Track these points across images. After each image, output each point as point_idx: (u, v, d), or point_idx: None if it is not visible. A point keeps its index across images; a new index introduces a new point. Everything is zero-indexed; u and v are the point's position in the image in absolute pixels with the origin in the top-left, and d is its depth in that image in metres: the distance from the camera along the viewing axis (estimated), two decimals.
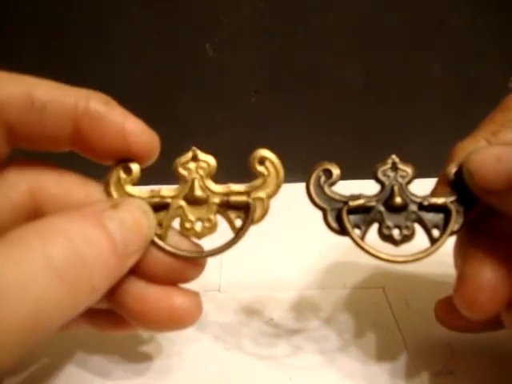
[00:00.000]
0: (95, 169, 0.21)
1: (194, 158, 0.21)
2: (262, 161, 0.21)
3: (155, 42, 0.43)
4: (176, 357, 0.27)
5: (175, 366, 0.26)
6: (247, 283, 0.32)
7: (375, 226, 0.21)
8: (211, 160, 0.21)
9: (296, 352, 0.27)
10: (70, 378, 0.25)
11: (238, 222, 0.21)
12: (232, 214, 0.21)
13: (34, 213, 0.20)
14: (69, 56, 0.43)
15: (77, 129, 0.19)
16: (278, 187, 0.21)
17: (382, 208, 0.20)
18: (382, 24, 0.42)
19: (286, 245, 0.36)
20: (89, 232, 0.16)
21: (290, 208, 0.34)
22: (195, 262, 0.21)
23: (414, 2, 0.42)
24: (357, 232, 0.20)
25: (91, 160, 0.20)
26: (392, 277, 0.32)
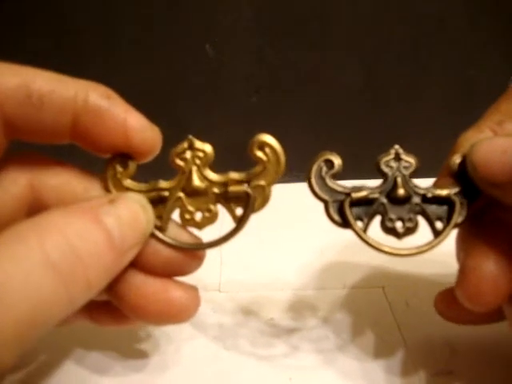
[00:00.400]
0: (95, 161, 0.21)
1: (190, 147, 0.20)
2: (261, 146, 0.20)
3: (155, 41, 0.43)
4: (173, 353, 0.27)
5: (173, 363, 0.26)
6: (247, 283, 0.32)
7: (378, 219, 0.20)
8: (208, 148, 0.20)
9: (296, 352, 0.27)
10: (67, 374, 0.25)
11: (239, 211, 0.20)
12: (232, 203, 0.20)
13: (35, 205, 0.20)
14: (68, 56, 0.43)
15: (76, 122, 0.18)
16: (278, 174, 0.20)
17: (384, 200, 0.20)
18: (382, 24, 0.42)
19: (286, 244, 0.36)
20: (85, 228, 0.16)
21: (291, 207, 0.34)
22: (194, 254, 0.21)
23: (413, 2, 0.42)
24: (359, 224, 0.20)
25: (91, 153, 0.20)
26: (392, 277, 0.32)
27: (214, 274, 0.33)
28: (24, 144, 0.19)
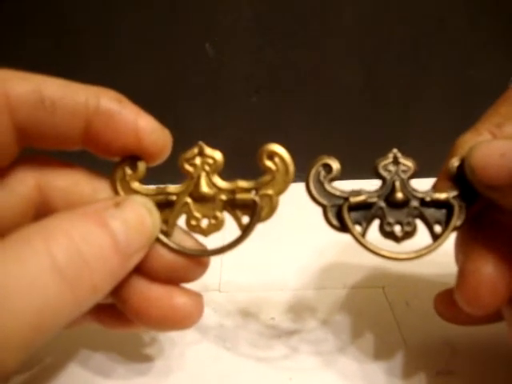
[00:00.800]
0: (105, 166, 0.21)
1: (200, 154, 0.20)
2: (271, 156, 0.20)
3: (155, 41, 0.43)
4: (177, 357, 0.27)
5: (176, 366, 0.26)
6: (247, 283, 0.32)
7: (376, 223, 0.20)
8: (218, 155, 0.20)
9: (296, 354, 0.27)
10: (71, 376, 0.25)
11: (246, 219, 0.20)
12: (239, 211, 0.20)
13: (42, 207, 0.20)
14: (68, 56, 0.43)
15: (88, 127, 0.19)
16: (287, 184, 0.20)
17: (383, 204, 0.20)
18: (382, 24, 0.42)
19: (286, 245, 0.36)
20: (91, 231, 0.16)
21: (291, 208, 0.34)
22: (199, 260, 0.21)
23: (414, 2, 0.42)
24: (358, 229, 0.20)
25: (101, 157, 0.20)
26: (392, 277, 0.32)
27: (214, 274, 0.33)
28: (33, 151, 0.19)
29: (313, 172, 0.20)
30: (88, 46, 0.43)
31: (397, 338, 0.27)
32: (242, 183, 0.20)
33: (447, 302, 0.23)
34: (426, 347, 0.26)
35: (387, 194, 0.20)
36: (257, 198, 0.20)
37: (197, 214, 0.20)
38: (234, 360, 0.26)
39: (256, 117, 0.45)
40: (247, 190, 0.20)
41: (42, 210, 0.20)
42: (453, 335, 0.26)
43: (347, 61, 0.44)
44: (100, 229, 0.17)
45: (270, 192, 0.20)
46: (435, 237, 0.20)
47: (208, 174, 0.20)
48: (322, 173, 0.20)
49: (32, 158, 0.20)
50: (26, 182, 0.19)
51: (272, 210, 0.20)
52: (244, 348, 0.27)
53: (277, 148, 0.20)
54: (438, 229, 0.20)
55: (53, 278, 0.15)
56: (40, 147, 0.19)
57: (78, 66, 0.43)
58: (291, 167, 0.20)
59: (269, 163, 0.20)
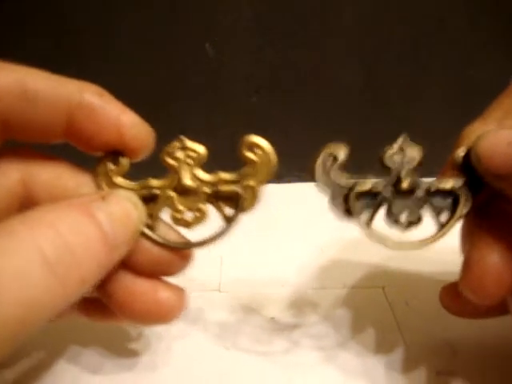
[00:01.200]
0: (88, 160, 0.21)
1: (182, 147, 0.20)
2: (251, 147, 0.20)
3: (155, 41, 0.43)
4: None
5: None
6: (247, 283, 0.32)
7: (382, 212, 0.20)
8: (200, 148, 0.20)
9: (296, 352, 0.27)
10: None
11: (229, 211, 0.21)
12: (222, 203, 0.21)
13: (27, 200, 0.19)
14: (68, 56, 0.43)
15: (71, 120, 0.19)
16: (269, 174, 0.20)
17: (388, 193, 0.20)
18: (382, 24, 0.42)
19: (286, 244, 0.36)
20: (78, 222, 0.16)
21: (291, 207, 0.34)
22: (183, 253, 0.21)
23: (414, 2, 0.42)
24: (363, 218, 0.20)
25: (84, 151, 0.20)
26: (392, 276, 0.32)
27: (214, 274, 0.33)
28: (16, 144, 0.19)
29: (319, 160, 0.20)
30: (88, 46, 0.43)
31: (397, 337, 0.27)
32: (225, 175, 0.20)
33: (453, 294, 0.22)
34: (426, 347, 0.26)
35: (393, 183, 0.20)
36: (240, 190, 0.20)
37: (181, 207, 0.21)
38: (234, 358, 0.26)
39: (256, 117, 0.45)
40: (230, 182, 0.20)
41: (26, 204, 0.19)
42: (453, 335, 0.26)
43: (347, 61, 0.44)
44: (87, 219, 0.16)
45: (252, 183, 0.20)
46: (441, 226, 0.20)
47: (191, 168, 0.20)
48: (329, 161, 0.20)
49: (15, 150, 0.20)
50: (10, 175, 0.19)
51: (255, 200, 0.20)
52: (243, 347, 0.27)
53: (256, 139, 0.20)
54: (443, 218, 0.20)
55: (40, 270, 0.14)
56: (22, 140, 0.19)
57: (78, 66, 0.43)
58: (272, 156, 0.20)
59: (249, 154, 0.20)
